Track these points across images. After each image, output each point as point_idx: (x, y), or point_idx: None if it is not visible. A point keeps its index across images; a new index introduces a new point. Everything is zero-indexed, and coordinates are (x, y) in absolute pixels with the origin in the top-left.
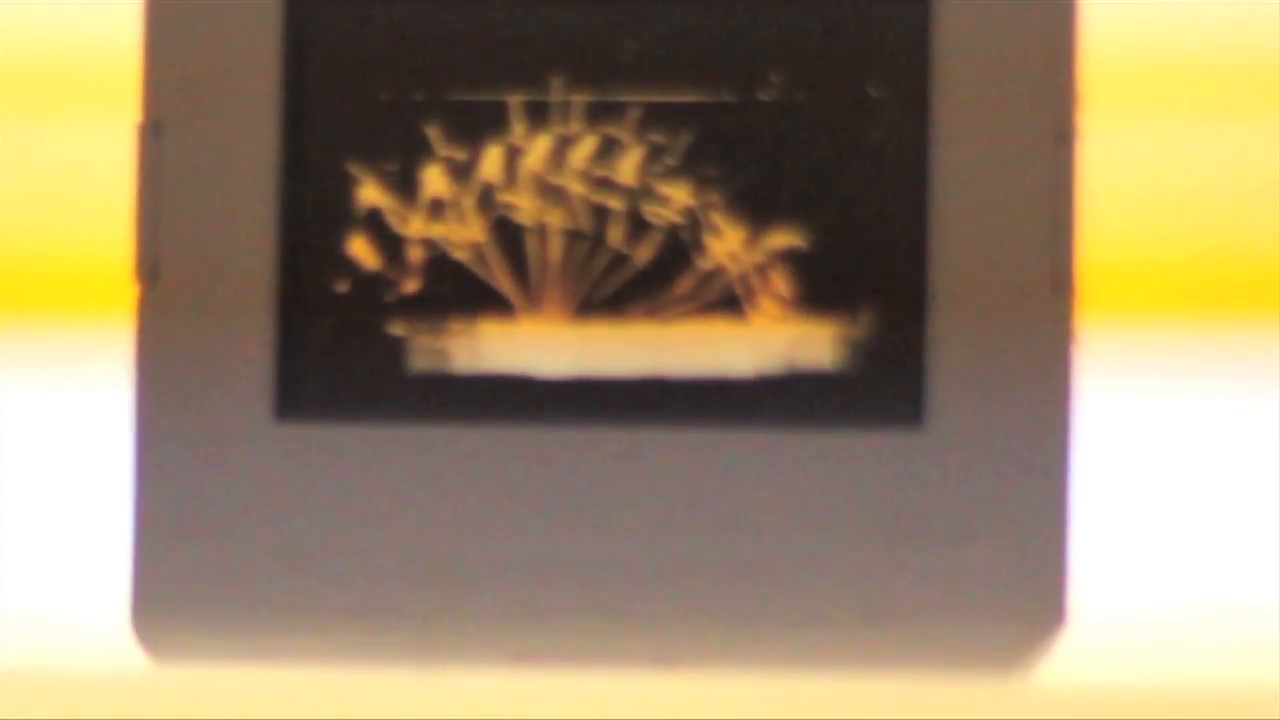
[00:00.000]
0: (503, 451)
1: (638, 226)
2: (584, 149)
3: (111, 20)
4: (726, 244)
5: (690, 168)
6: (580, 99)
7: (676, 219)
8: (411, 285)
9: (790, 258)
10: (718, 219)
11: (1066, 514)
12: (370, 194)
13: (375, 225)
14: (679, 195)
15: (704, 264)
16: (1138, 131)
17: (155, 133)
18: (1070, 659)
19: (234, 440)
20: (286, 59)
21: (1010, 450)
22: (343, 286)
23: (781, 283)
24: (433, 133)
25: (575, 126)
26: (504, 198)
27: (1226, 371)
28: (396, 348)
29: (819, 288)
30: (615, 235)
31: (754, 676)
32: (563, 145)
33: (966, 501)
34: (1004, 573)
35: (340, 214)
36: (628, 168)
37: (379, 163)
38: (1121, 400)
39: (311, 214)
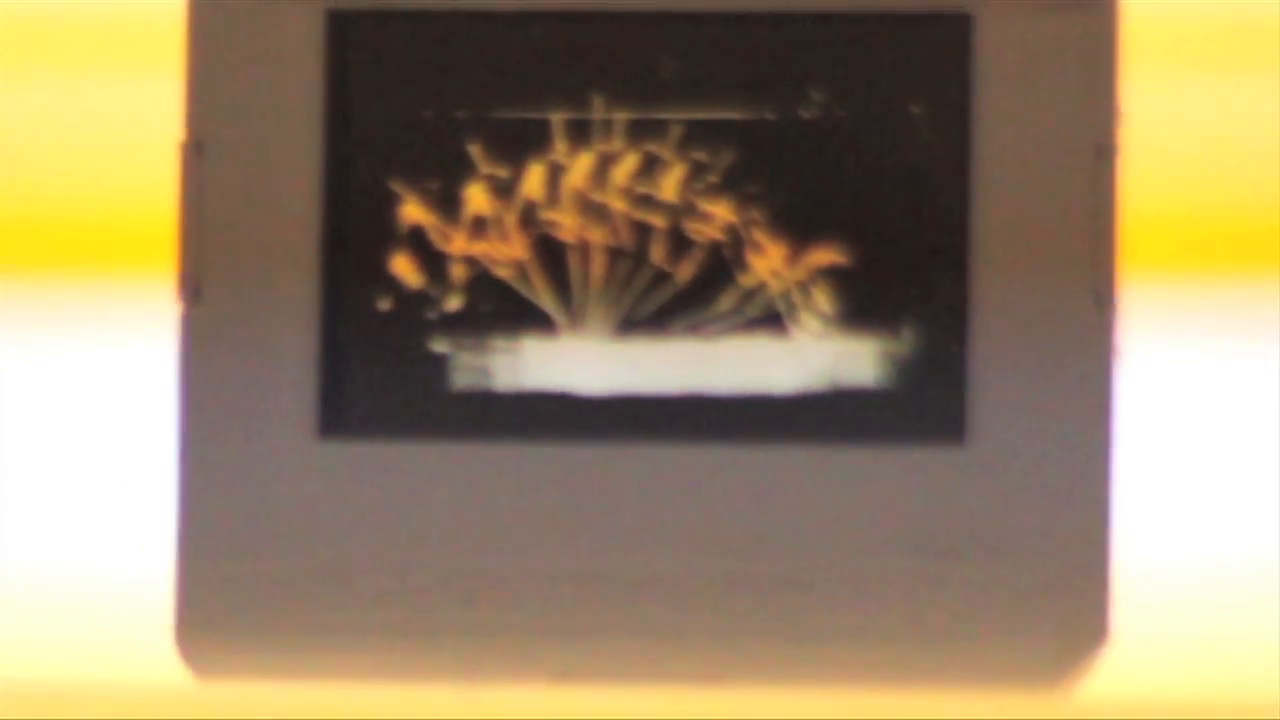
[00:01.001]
0: (545, 468)
1: (680, 244)
2: (626, 166)
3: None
4: (768, 261)
5: (732, 185)
6: (622, 117)
7: (718, 236)
8: (454, 303)
9: (832, 274)
10: (760, 236)
11: (1109, 529)
12: (413, 212)
13: (418, 243)
14: (721, 212)
15: (746, 281)
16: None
17: (198, 151)
18: (1112, 675)
19: (277, 457)
20: (329, 77)
21: (1052, 465)
22: (385, 304)
23: (823, 299)
24: (475, 151)
25: (617, 144)
26: (546, 215)
27: (1272, 384)
28: (439, 365)
29: (861, 304)
30: (657, 252)
31: (796, 692)
32: (605, 163)
33: (1008, 516)
34: (1046, 588)
35: (383, 232)
36: (670, 185)
37: (422, 181)
38: (1164, 415)
39: (354, 232)
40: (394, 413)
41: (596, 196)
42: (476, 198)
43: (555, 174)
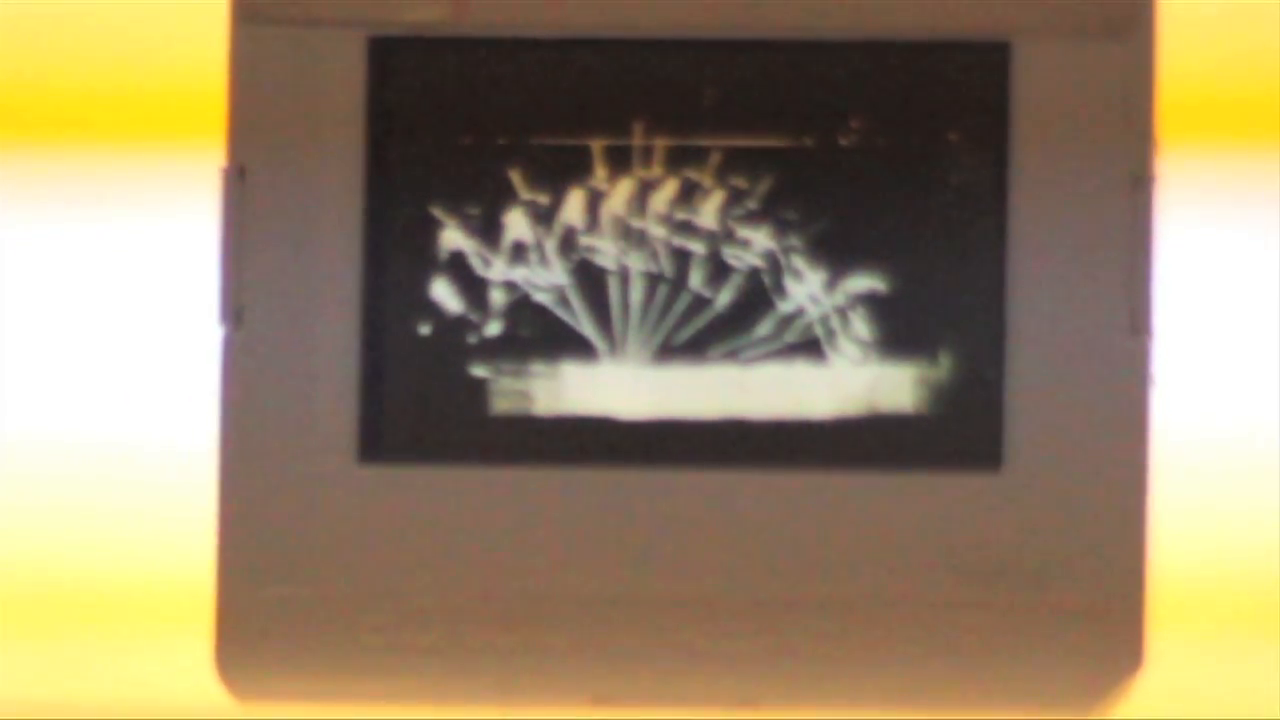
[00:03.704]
0: (584, 492)
1: (718, 270)
2: (665, 193)
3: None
4: (806, 287)
5: (770, 212)
6: (662, 143)
7: (757, 262)
8: (494, 328)
9: (870, 301)
10: (798, 262)
11: (1144, 555)
12: (453, 237)
13: (458, 268)
14: (759, 239)
15: (784, 307)
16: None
17: (240, 176)
18: (1146, 702)
19: (318, 481)
20: (371, 103)
21: (1087, 491)
22: (426, 329)
23: (861, 325)
24: (515, 177)
25: (657, 170)
26: (586, 241)
27: None
28: (479, 390)
29: (898, 330)
30: (696, 278)
31: (832, 716)
32: (644, 189)
33: (1044, 542)
34: (1081, 614)
35: (424, 257)
36: (709, 211)
37: (462, 206)
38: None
39: (395, 257)
40: (434, 437)
41: (636, 222)
42: (517, 223)
43: (595, 200)
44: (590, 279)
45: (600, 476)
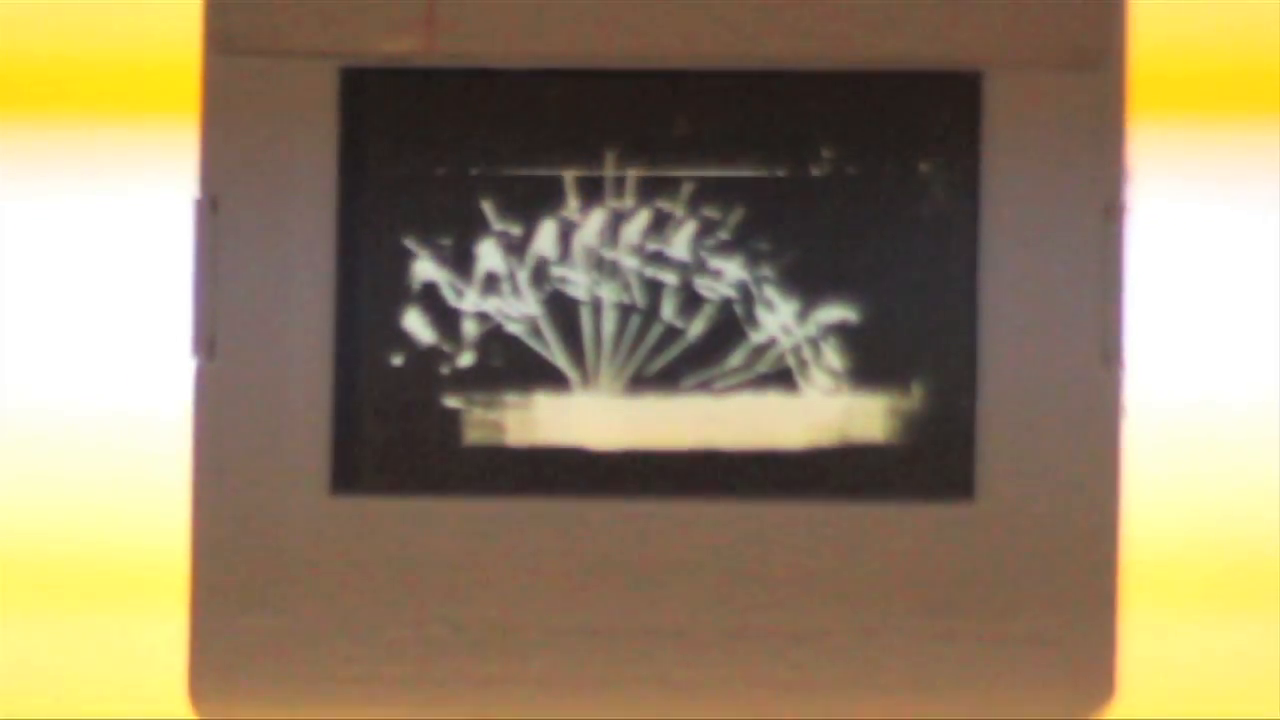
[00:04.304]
0: (556, 523)
1: (691, 300)
2: (637, 224)
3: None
4: (779, 317)
5: (742, 242)
6: (634, 174)
7: (729, 293)
8: (466, 359)
9: (842, 331)
10: (770, 292)
11: (1115, 585)
12: (426, 268)
13: (431, 299)
14: (731, 269)
15: (756, 337)
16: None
17: (212, 207)
18: None
19: (290, 512)
20: (343, 135)
21: (1059, 521)
22: (398, 360)
23: (833, 355)
24: (487, 207)
25: (629, 201)
26: (558, 272)
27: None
28: (452, 420)
29: (870, 361)
30: (668, 309)
31: None
32: (616, 220)
33: (1016, 573)
34: (1053, 644)
35: (396, 288)
36: (681, 242)
37: (434, 237)
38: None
39: (368, 288)
40: (406, 468)
41: (608, 253)
42: (489, 254)
43: (567, 231)
44: (563, 310)
45: (573, 507)
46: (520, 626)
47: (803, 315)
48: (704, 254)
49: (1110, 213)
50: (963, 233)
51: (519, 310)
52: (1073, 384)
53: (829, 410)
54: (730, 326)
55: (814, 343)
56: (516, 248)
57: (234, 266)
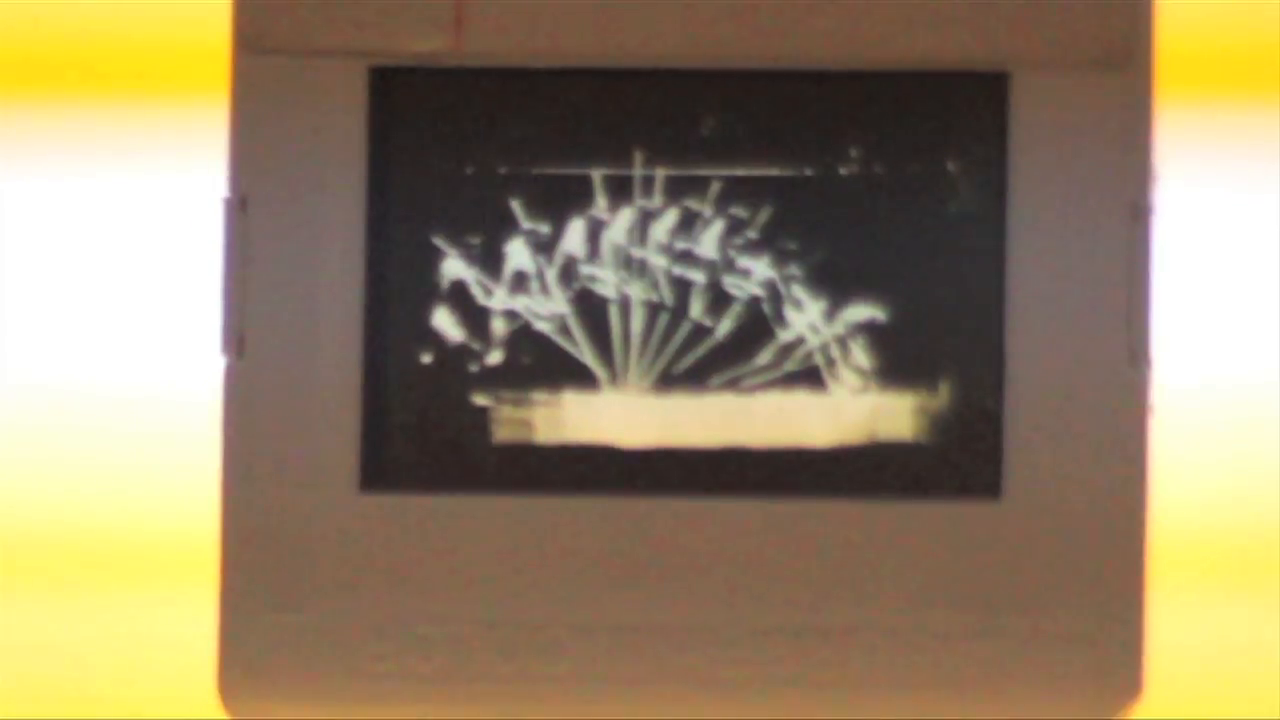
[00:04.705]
0: (585, 520)
1: (719, 299)
2: (665, 222)
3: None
4: (806, 316)
5: (770, 241)
6: (662, 173)
7: (757, 291)
8: (495, 357)
9: (869, 330)
10: (798, 291)
11: (1142, 583)
12: (455, 266)
13: (460, 297)
14: (759, 268)
15: (784, 336)
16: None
17: (242, 207)
18: None
19: (320, 509)
20: (372, 133)
21: (1086, 520)
22: (427, 358)
23: (861, 354)
24: (516, 206)
25: (657, 200)
26: (586, 270)
27: None
28: (481, 418)
29: (898, 359)
30: (696, 308)
31: None
32: (644, 219)
33: (1043, 571)
34: (1079, 642)
35: (425, 287)
36: (709, 241)
37: (463, 236)
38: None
39: (397, 286)
40: (435, 465)
41: (636, 252)
42: (518, 253)
43: (596, 229)
44: (591, 308)
45: (601, 504)
46: (550, 623)
47: (830, 314)
48: (732, 253)
49: (1137, 212)
50: (990, 232)
51: (547, 309)
52: (1100, 383)
53: (857, 409)
54: (758, 325)
55: (842, 341)
56: (545, 246)
57: (263, 265)
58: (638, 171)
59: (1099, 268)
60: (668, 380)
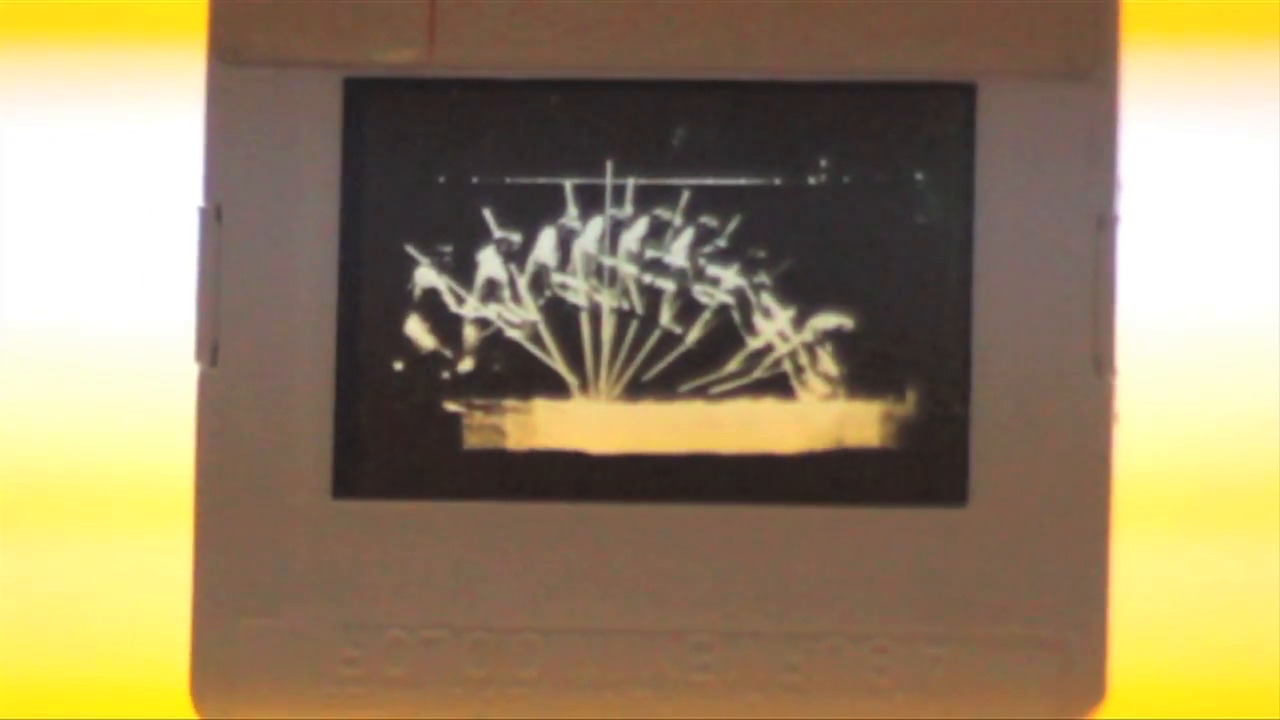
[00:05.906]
0: (556, 527)
1: (688, 307)
2: (636, 231)
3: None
4: (775, 324)
5: (740, 250)
6: (633, 183)
7: (726, 299)
8: (467, 364)
9: (837, 338)
10: (767, 299)
11: (1107, 591)
12: (427, 275)
13: (432, 305)
14: (729, 276)
15: (753, 343)
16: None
17: (216, 216)
18: None
19: (292, 516)
20: (346, 144)
21: (1052, 527)
22: (399, 365)
23: (829, 362)
24: (488, 215)
25: (628, 209)
26: (558, 279)
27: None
28: (452, 425)
29: (865, 367)
30: (666, 315)
31: None
32: (615, 228)
33: (1009, 577)
34: (1044, 648)
35: (398, 294)
36: (678, 249)
37: (436, 245)
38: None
39: (370, 295)
40: (407, 472)
41: (607, 260)
42: (489, 261)
43: (567, 238)
44: (562, 316)
45: (572, 511)
46: (520, 628)
47: (799, 322)
48: (702, 261)
49: (1103, 222)
50: (957, 241)
51: (519, 316)
52: (1065, 391)
53: (825, 416)
54: (727, 333)
55: (810, 349)
56: (517, 255)
57: (237, 274)
58: (609, 181)
59: (1065, 276)
60: (638, 387)
